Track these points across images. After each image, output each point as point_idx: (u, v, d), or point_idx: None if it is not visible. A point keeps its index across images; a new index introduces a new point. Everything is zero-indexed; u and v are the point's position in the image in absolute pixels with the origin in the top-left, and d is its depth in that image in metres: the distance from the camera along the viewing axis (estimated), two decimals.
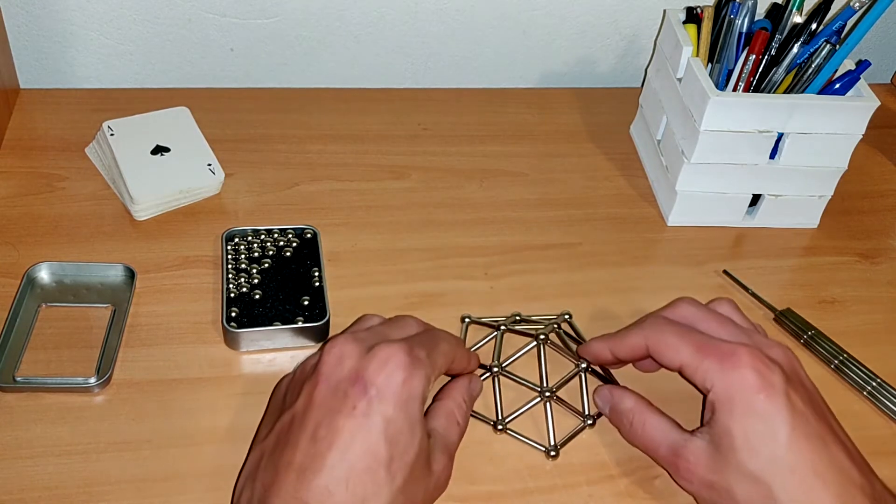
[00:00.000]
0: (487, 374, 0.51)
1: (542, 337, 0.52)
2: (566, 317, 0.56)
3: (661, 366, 0.47)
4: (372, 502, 0.39)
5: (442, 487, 0.44)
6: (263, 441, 0.42)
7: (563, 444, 0.49)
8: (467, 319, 0.55)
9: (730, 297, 0.50)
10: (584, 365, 0.51)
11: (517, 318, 0.55)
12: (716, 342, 0.44)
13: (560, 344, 0.54)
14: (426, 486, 0.42)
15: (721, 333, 0.46)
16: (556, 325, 0.54)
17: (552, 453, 0.49)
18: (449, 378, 0.49)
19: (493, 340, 0.54)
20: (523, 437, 0.49)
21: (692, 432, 0.45)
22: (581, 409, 0.51)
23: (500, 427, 0.49)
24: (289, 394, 0.44)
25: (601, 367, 0.53)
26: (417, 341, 0.43)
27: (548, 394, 0.50)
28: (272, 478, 0.39)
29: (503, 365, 0.52)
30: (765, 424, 0.42)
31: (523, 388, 0.51)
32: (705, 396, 0.44)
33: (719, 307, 0.48)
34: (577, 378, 0.52)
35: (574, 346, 0.53)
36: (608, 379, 0.53)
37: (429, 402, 0.46)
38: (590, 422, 0.50)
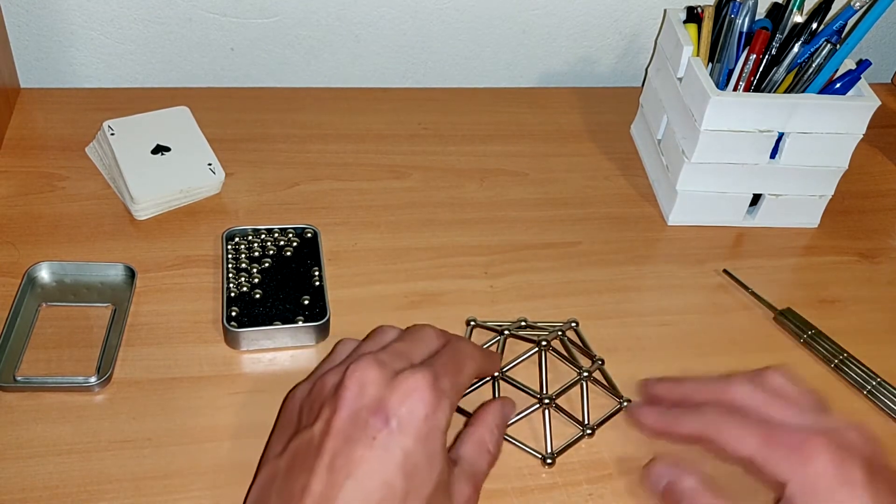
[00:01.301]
0: (488, 379, 0.51)
1: (543, 343, 0.51)
2: (573, 324, 0.55)
3: (723, 456, 0.44)
4: None
5: None
6: (277, 459, 0.41)
7: (560, 452, 0.49)
8: (472, 323, 0.55)
9: (782, 366, 0.47)
10: (585, 374, 0.51)
11: (522, 323, 0.54)
12: (784, 431, 0.42)
13: (564, 352, 0.53)
14: None
15: (785, 418, 0.43)
16: (560, 332, 0.54)
17: (548, 461, 0.48)
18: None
19: (496, 345, 0.53)
20: (520, 444, 0.49)
21: None
22: (581, 419, 0.50)
23: None
24: (305, 411, 0.42)
25: (606, 378, 0.52)
26: (441, 366, 0.42)
27: (547, 401, 0.50)
28: (286, 502, 0.38)
29: (504, 370, 0.52)
30: None
31: (523, 394, 0.51)
32: (780, 489, 0.42)
33: (773, 381, 0.46)
34: (578, 386, 0.51)
35: (578, 355, 0.53)
36: (613, 390, 0.52)
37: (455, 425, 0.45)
38: (588, 431, 0.50)
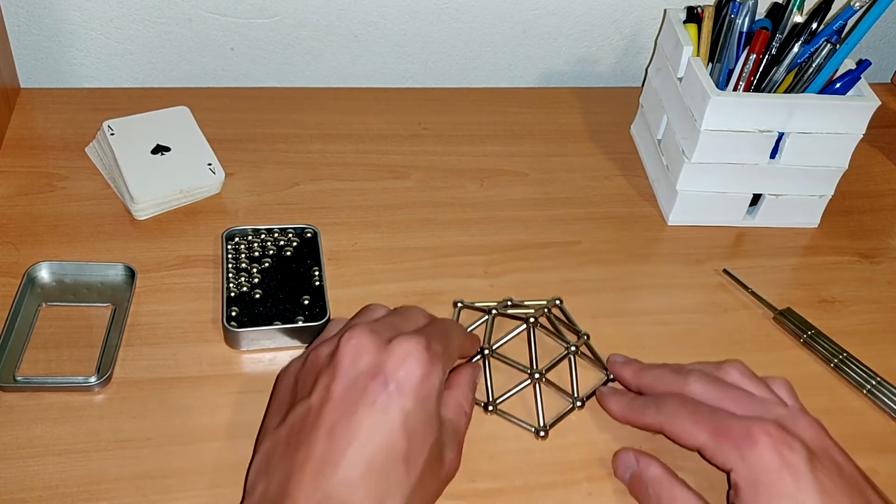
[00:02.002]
0: (478, 357, 0.52)
1: (531, 320, 0.53)
2: (557, 302, 0.56)
3: (679, 445, 0.46)
4: (391, 496, 0.39)
5: (451, 476, 0.44)
6: (275, 431, 0.41)
7: (553, 424, 0.50)
8: (459, 304, 0.56)
9: (738, 360, 0.49)
10: (573, 348, 0.52)
11: (508, 302, 0.56)
12: (730, 422, 0.43)
13: (551, 328, 0.55)
14: (439, 476, 0.43)
15: (736, 409, 0.45)
16: (546, 310, 0.55)
17: (541, 434, 0.49)
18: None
19: (485, 324, 0.55)
20: (513, 418, 0.50)
21: None
22: (570, 391, 0.52)
23: (490, 408, 0.50)
24: (301, 383, 0.43)
25: (592, 352, 0.54)
26: (432, 335, 0.43)
27: (537, 375, 0.51)
28: (289, 472, 0.39)
29: (494, 347, 0.53)
30: None
31: (513, 370, 0.52)
32: (729, 476, 0.43)
33: (729, 374, 0.47)
34: (566, 360, 0.53)
35: (564, 331, 0.54)
36: (599, 362, 0.54)
37: None
38: (578, 403, 0.51)
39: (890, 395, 0.53)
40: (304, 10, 0.74)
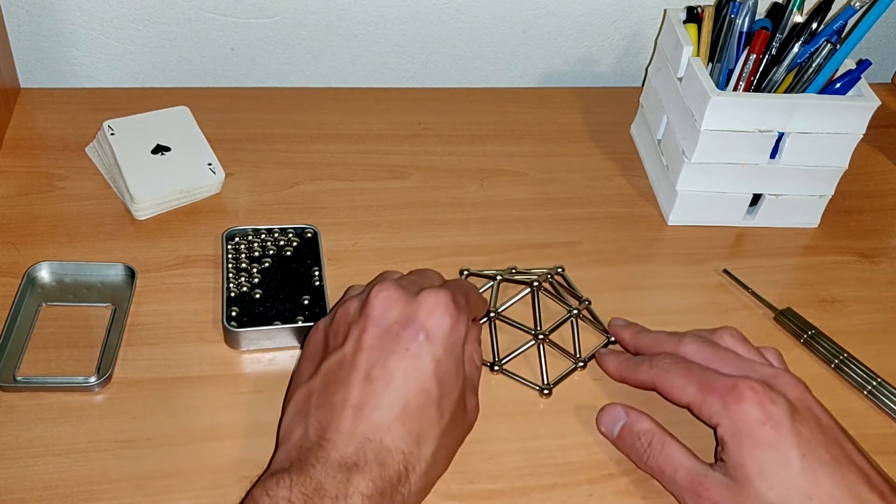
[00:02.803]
0: (485, 319, 0.55)
1: (535, 284, 0.56)
2: (559, 269, 0.59)
3: (671, 402, 0.48)
4: (425, 437, 0.41)
5: (472, 425, 0.47)
6: (309, 381, 0.43)
7: (556, 383, 0.52)
8: (466, 272, 0.58)
9: (732, 326, 0.51)
10: (575, 311, 0.55)
11: (513, 270, 0.58)
12: (718, 379, 0.45)
13: (554, 292, 0.57)
14: (463, 424, 0.45)
15: (725, 368, 0.47)
16: (549, 276, 0.58)
17: (545, 391, 0.52)
18: None
19: (490, 290, 0.57)
20: (518, 377, 0.53)
21: (710, 465, 0.45)
22: (573, 353, 0.54)
23: (496, 368, 0.53)
24: (332, 336, 0.45)
25: (593, 316, 0.56)
26: (455, 289, 0.45)
27: (541, 336, 0.54)
28: (328, 415, 0.41)
29: (499, 310, 0.55)
30: (775, 454, 0.42)
31: (518, 332, 0.54)
32: (716, 431, 0.45)
33: (723, 339, 0.49)
34: (569, 323, 0.55)
35: (566, 296, 0.57)
36: (600, 326, 0.56)
37: None
38: (581, 364, 0.53)
39: (891, 396, 0.53)
40: (304, 10, 0.74)
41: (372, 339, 0.42)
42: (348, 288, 0.50)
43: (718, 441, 0.45)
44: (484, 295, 0.56)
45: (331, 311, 0.48)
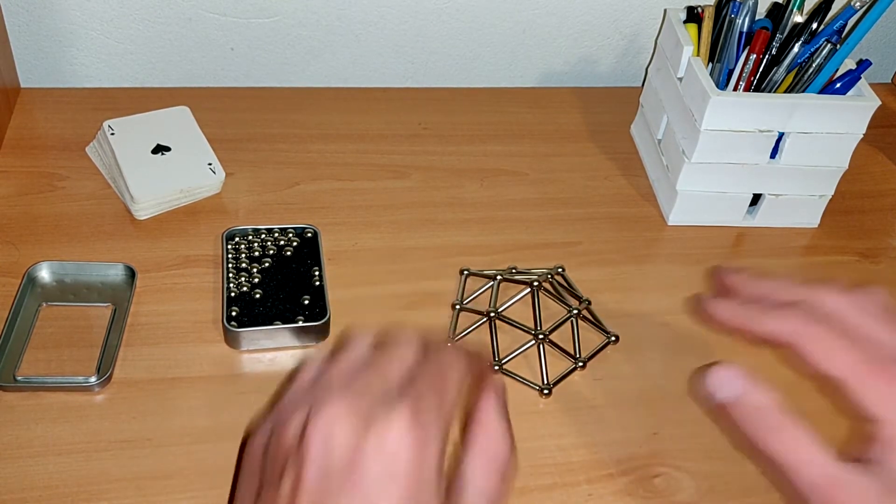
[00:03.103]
0: (485, 320, 0.55)
1: (535, 284, 0.56)
2: (559, 269, 0.59)
3: (804, 370, 0.38)
4: None
5: None
6: None
7: (556, 383, 0.52)
8: (466, 271, 0.58)
9: (878, 285, 0.40)
10: (575, 311, 0.55)
11: (513, 270, 0.58)
12: (887, 356, 0.36)
13: (554, 292, 0.57)
14: None
15: (889, 341, 0.37)
16: (549, 276, 0.58)
17: (545, 391, 0.52)
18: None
19: (490, 290, 0.57)
20: (518, 377, 0.53)
21: (851, 462, 0.35)
22: (573, 353, 0.54)
23: (496, 367, 0.53)
24: (269, 463, 0.36)
25: (593, 316, 0.56)
26: (423, 393, 0.35)
27: (541, 336, 0.54)
28: None
29: (499, 310, 0.55)
30: None
31: (518, 332, 0.55)
32: (865, 423, 0.36)
33: (872, 298, 0.39)
34: (569, 323, 0.55)
35: (566, 296, 0.57)
36: (600, 326, 0.56)
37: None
38: (581, 364, 0.53)
39: None
40: (304, 10, 0.74)
41: (311, 482, 0.33)
42: (302, 361, 0.43)
43: (876, 441, 0.35)
44: (482, 298, 0.55)
45: (270, 418, 0.37)
